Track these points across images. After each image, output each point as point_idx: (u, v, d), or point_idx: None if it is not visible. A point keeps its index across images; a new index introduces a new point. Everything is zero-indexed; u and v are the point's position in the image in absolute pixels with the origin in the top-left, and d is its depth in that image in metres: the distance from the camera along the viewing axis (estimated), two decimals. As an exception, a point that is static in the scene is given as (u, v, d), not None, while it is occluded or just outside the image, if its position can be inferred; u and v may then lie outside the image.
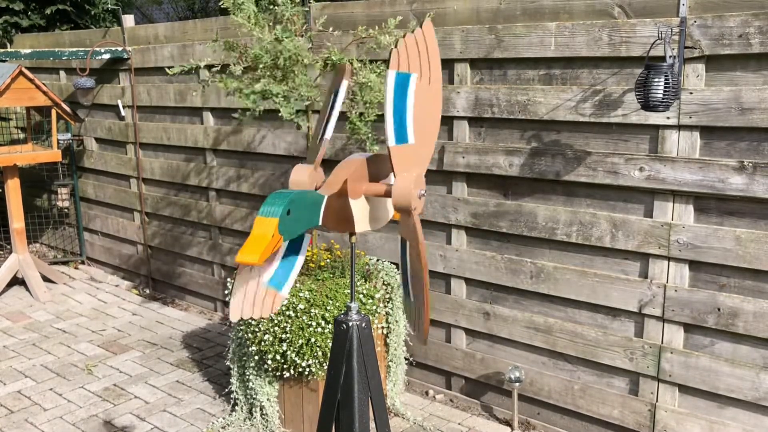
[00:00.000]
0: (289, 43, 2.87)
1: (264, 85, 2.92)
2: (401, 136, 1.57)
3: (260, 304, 1.57)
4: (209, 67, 3.56)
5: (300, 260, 1.62)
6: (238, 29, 3.11)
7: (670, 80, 2.46)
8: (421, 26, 1.59)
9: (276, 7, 3.02)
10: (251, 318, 1.56)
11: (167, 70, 3.42)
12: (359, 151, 3.67)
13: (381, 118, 3.09)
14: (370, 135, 3.25)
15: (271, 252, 1.42)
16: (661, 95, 2.47)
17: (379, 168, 1.74)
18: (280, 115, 2.96)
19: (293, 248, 1.60)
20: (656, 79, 2.46)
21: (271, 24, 3.06)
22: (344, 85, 1.67)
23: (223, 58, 3.35)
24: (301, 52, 2.94)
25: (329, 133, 1.70)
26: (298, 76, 3.00)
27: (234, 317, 1.56)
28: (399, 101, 1.56)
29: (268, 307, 1.58)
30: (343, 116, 3.61)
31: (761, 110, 2.52)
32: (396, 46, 1.55)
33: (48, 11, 6.15)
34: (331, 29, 3.53)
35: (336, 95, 1.70)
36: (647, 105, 2.50)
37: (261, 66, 3.00)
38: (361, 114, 3.11)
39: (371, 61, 3.21)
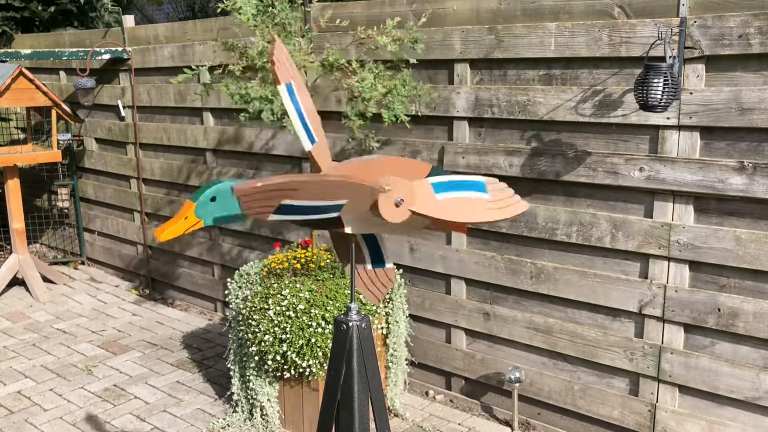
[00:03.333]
0: (288, 47, 2.87)
1: (261, 89, 2.92)
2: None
3: (378, 284, 1.78)
4: (212, 69, 3.56)
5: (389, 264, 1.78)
6: (238, 29, 3.11)
7: (670, 81, 2.46)
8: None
9: (274, 10, 3.02)
10: (378, 302, 1.74)
11: (171, 80, 3.42)
12: (359, 153, 3.67)
13: (377, 117, 3.09)
14: (369, 134, 3.25)
15: (184, 232, 1.53)
16: (659, 95, 2.46)
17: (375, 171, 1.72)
18: (271, 120, 2.96)
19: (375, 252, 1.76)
20: (655, 80, 2.46)
21: (269, 26, 3.06)
22: None
23: (223, 59, 3.35)
24: (301, 57, 2.95)
25: None
26: None
27: (377, 300, 1.80)
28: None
29: (386, 283, 1.77)
30: (341, 116, 3.61)
31: (761, 110, 2.52)
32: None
33: (52, 9, 6.12)
34: (337, 22, 3.52)
35: None
36: (646, 105, 2.50)
37: (258, 67, 3.00)
38: (358, 110, 3.11)
39: (372, 61, 3.21)
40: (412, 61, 3.11)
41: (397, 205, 1.55)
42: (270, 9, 3.02)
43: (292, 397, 3.22)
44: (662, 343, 2.88)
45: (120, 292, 5.34)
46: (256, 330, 3.09)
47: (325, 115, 3.84)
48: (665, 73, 2.46)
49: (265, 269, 3.33)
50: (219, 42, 3.24)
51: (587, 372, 3.12)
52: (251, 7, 2.96)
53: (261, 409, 3.26)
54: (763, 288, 2.63)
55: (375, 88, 3.02)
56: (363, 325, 1.75)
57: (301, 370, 3.06)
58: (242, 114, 3.05)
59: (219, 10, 3.06)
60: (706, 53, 2.60)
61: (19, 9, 6.06)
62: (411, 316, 3.62)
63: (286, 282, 3.13)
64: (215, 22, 4.38)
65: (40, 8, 6.11)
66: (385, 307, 3.32)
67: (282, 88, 1.62)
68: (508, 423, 3.37)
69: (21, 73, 4.79)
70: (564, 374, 3.19)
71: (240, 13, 2.95)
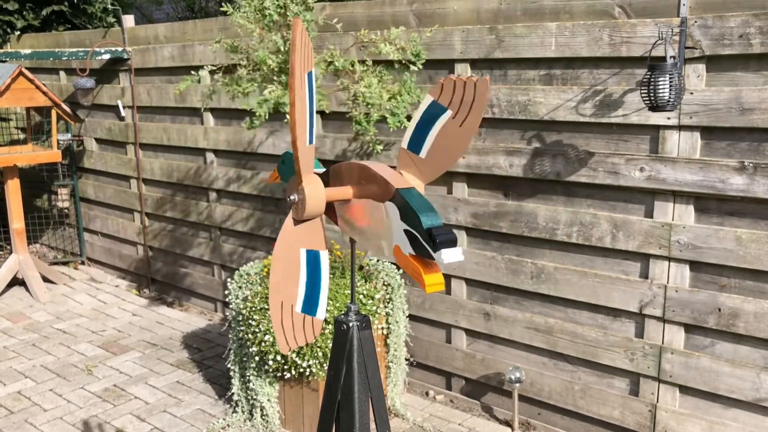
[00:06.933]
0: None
1: (271, 93, 2.92)
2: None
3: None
4: (212, 72, 3.55)
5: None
6: (242, 29, 3.10)
7: (676, 80, 2.46)
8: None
9: (288, 11, 3.00)
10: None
11: (175, 90, 3.41)
12: (360, 155, 3.67)
13: (382, 120, 3.09)
14: (374, 138, 3.24)
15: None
16: (667, 95, 2.46)
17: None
18: (285, 121, 2.96)
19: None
20: (661, 79, 2.46)
21: (270, 24, 3.05)
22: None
23: (223, 59, 3.34)
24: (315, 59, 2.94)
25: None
26: None
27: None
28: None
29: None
30: (344, 117, 3.61)
31: (762, 110, 2.52)
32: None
33: (44, 12, 6.13)
34: (336, 21, 3.52)
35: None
36: (655, 106, 2.49)
37: (265, 69, 2.99)
38: (366, 114, 3.11)
39: (374, 63, 3.20)
40: (414, 68, 3.09)
41: (293, 203, 1.58)
42: (281, 10, 3.01)
43: (293, 397, 3.22)
44: (663, 343, 2.88)
45: (120, 292, 5.33)
46: (257, 330, 3.09)
47: (325, 116, 3.84)
48: (670, 72, 2.45)
49: (266, 269, 3.32)
50: (222, 44, 3.23)
51: (587, 372, 3.11)
52: (273, 9, 2.94)
53: (261, 410, 3.26)
54: (764, 288, 2.63)
55: (381, 96, 3.01)
56: (363, 325, 1.75)
57: (301, 370, 3.06)
58: (254, 118, 3.03)
59: (227, 12, 3.04)
60: (706, 53, 2.60)
61: (13, 12, 6.05)
62: (411, 316, 3.62)
63: (287, 282, 3.12)
64: (215, 22, 4.37)
65: (32, 16, 6.11)
66: (385, 307, 3.32)
67: (428, 98, 1.56)
68: (508, 423, 3.37)
69: (21, 73, 4.79)
70: (564, 374, 3.18)
71: (263, 12, 2.92)
